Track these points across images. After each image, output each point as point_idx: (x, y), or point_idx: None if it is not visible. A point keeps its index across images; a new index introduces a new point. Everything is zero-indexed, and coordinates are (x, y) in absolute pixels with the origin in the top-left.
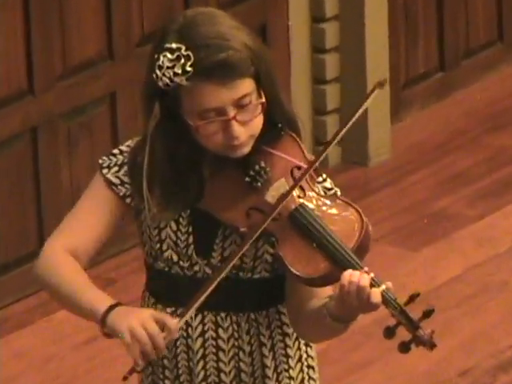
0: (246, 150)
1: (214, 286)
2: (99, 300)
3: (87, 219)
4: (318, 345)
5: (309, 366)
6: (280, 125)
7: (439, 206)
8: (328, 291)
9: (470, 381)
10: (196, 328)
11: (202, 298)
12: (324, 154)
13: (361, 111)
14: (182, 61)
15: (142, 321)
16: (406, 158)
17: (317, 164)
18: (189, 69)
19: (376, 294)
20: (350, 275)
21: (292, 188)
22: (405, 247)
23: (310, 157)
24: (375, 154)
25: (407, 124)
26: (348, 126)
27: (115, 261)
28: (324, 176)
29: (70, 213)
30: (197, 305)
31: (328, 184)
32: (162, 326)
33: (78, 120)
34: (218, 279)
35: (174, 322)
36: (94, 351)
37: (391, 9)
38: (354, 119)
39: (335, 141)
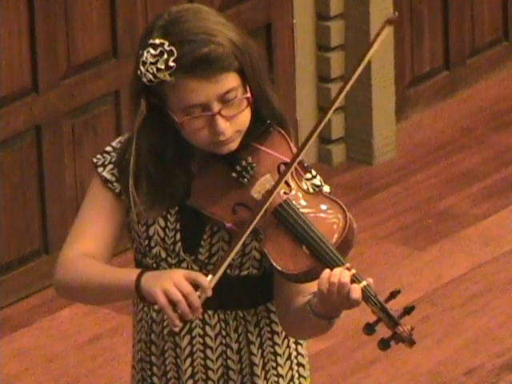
0: (234, 146)
1: (238, 247)
2: (129, 272)
3: (94, 221)
4: (323, 344)
5: (299, 364)
6: (268, 121)
7: (445, 204)
8: (314, 287)
9: (476, 380)
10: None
11: (230, 258)
12: (309, 143)
13: (370, 53)
14: (165, 56)
15: (174, 280)
16: (411, 157)
17: (300, 157)
18: (172, 64)
19: (356, 290)
20: (328, 276)
21: (277, 183)
22: (410, 246)
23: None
24: (380, 153)
25: (412, 122)
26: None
27: (119, 260)
28: (314, 173)
29: (76, 220)
30: (226, 264)
31: (317, 181)
32: (195, 285)
33: (82, 118)
34: (240, 242)
35: (206, 280)
36: (98, 350)
37: (396, 7)
38: (359, 70)
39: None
